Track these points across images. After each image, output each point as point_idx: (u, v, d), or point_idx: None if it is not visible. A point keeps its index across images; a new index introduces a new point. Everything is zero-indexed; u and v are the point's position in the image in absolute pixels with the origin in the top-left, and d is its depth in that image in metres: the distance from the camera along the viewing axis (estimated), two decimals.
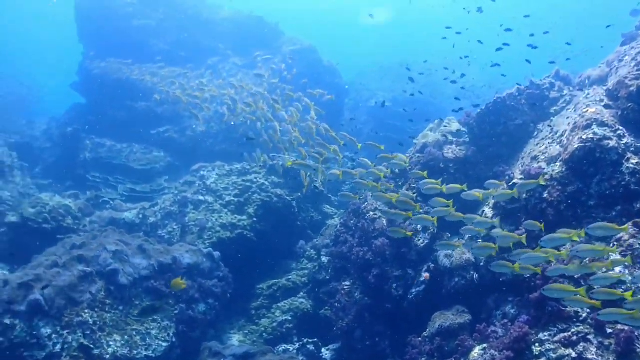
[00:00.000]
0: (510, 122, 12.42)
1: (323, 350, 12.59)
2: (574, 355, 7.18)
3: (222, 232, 14.91)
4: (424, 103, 30.14)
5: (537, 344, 7.64)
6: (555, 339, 7.51)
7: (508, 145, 12.39)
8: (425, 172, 11.04)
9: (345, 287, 12.45)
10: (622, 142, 9.11)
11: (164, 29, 28.56)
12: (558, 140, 10.71)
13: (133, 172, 21.54)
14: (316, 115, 15.45)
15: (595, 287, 6.97)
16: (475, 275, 10.05)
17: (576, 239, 7.69)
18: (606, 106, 10.37)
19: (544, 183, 9.29)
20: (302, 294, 14.21)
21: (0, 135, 20.62)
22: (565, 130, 10.52)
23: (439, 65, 31.07)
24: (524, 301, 8.68)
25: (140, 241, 12.88)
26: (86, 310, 10.48)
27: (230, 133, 22.68)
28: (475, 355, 8.43)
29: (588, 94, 11.36)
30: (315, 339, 12.63)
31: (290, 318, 13.46)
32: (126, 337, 10.81)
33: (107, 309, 10.89)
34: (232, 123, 16.00)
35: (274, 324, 13.37)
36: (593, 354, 7.06)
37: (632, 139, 9.26)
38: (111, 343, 10.48)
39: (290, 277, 14.73)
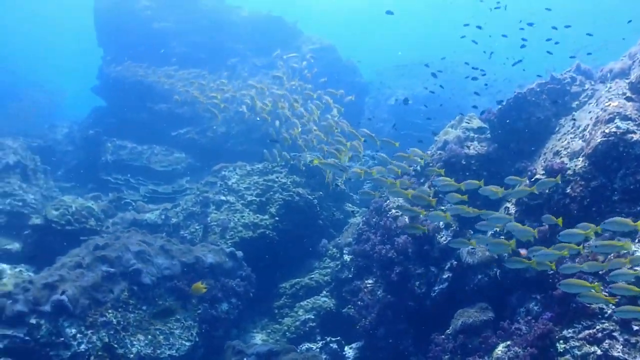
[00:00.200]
0: (532, 117, 12.30)
1: (346, 348, 12.57)
2: (599, 352, 7.09)
3: (244, 232, 14.95)
4: (444, 100, 30.02)
5: (561, 341, 7.55)
6: (580, 336, 7.43)
7: (530, 141, 12.26)
8: (443, 170, 11.02)
9: (368, 285, 12.43)
10: None
11: (183, 31, 28.66)
12: (580, 135, 10.58)
13: (154, 173, 21.69)
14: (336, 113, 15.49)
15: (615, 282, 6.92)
16: (498, 272, 9.98)
17: (592, 235, 7.65)
18: (629, 99, 10.21)
19: (560, 182, 9.22)
20: (324, 292, 14.21)
21: (23, 139, 20.83)
22: (588, 125, 10.40)
23: (457, 62, 31.01)
24: (547, 298, 8.59)
25: (163, 241, 12.94)
26: (110, 310, 10.56)
27: (250, 133, 22.75)
28: (499, 352, 8.37)
29: (610, 88, 11.21)
30: (338, 338, 12.60)
31: (313, 317, 13.45)
32: (150, 336, 10.88)
33: (130, 309, 10.96)
34: (258, 119, 16.02)
35: (297, 323, 13.38)
36: (619, 352, 6.95)
37: None
38: (135, 343, 10.56)
39: (312, 275, 14.74)
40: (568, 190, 9.41)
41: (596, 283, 7.38)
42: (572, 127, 11.17)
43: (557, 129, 11.97)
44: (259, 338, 13.25)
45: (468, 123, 13.58)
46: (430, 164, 12.57)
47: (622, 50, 12.62)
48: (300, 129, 15.12)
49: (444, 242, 11.17)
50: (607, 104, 10.02)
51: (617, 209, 8.76)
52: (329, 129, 14.42)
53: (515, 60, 17.01)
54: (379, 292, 12.10)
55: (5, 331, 9.34)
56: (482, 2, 20.15)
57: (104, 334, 10.17)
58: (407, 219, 12.01)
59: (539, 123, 12.26)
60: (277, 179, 16.43)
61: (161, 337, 11.06)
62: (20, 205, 16.37)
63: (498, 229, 10.21)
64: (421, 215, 10.87)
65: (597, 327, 7.36)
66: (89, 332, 10.02)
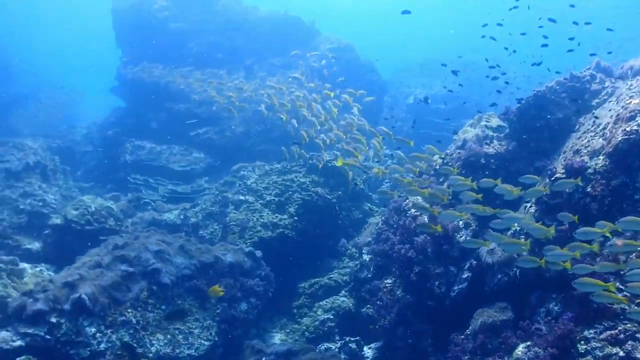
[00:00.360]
0: (551, 116, 12.20)
1: (365, 348, 12.55)
2: (621, 354, 7.01)
3: (263, 232, 14.98)
4: (463, 98, 29.83)
5: (582, 342, 7.49)
6: (602, 336, 7.35)
7: (549, 140, 12.15)
8: (457, 169, 10.97)
9: (387, 285, 12.39)
10: None
11: (200, 32, 28.71)
12: (601, 133, 10.46)
13: (173, 173, 21.77)
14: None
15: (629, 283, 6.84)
16: (518, 272, 9.91)
17: (608, 233, 7.57)
18: None
19: (580, 183, 9.14)
20: (343, 292, 14.17)
21: (42, 140, 21.05)
22: (608, 123, 10.28)
23: (475, 60, 30.85)
24: (567, 298, 8.51)
25: (182, 241, 13.00)
26: (129, 310, 10.64)
27: (269, 133, 22.81)
28: (519, 352, 8.32)
29: (631, 85, 11.08)
30: (357, 337, 12.59)
31: (332, 317, 13.43)
32: (169, 336, 10.94)
33: (149, 308, 11.03)
34: (282, 116, 16.01)
35: (316, 323, 13.37)
36: None
37: None
38: (154, 342, 10.62)
39: (331, 275, 14.72)
40: (588, 189, 9.31)
41: (612, 282, 7.28)
42: (593, 125, 11.05)
43: (577, 127, 11.85)
44: (277, 338, 13.28)
45: (487, 122, 13.50)
46: (449, 163, 12.52)
47: None
48: (318, 128, 15.09)
49: (463, 242, 11.13)
50: (628, 102, 9.91)
51: (638, 208, 8.66)
52: (348, 128, 14.40)
53: (535, 60, 16.85)
54: (398, 292, 12.06)
55: (26, 329, 9.46)
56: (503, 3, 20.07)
57: (123, 333, 10.25)
58: (426, 219, 11.97)
59: (558, 121, 12.15)
60: (295, 179, 16.45)
61: (180, 336, 11.11)
62: (40, 205, 16.55)
63: (518, 228, 10.14)
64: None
65: (619, 328, 7.29)
66: (109, 331, 10.10)
